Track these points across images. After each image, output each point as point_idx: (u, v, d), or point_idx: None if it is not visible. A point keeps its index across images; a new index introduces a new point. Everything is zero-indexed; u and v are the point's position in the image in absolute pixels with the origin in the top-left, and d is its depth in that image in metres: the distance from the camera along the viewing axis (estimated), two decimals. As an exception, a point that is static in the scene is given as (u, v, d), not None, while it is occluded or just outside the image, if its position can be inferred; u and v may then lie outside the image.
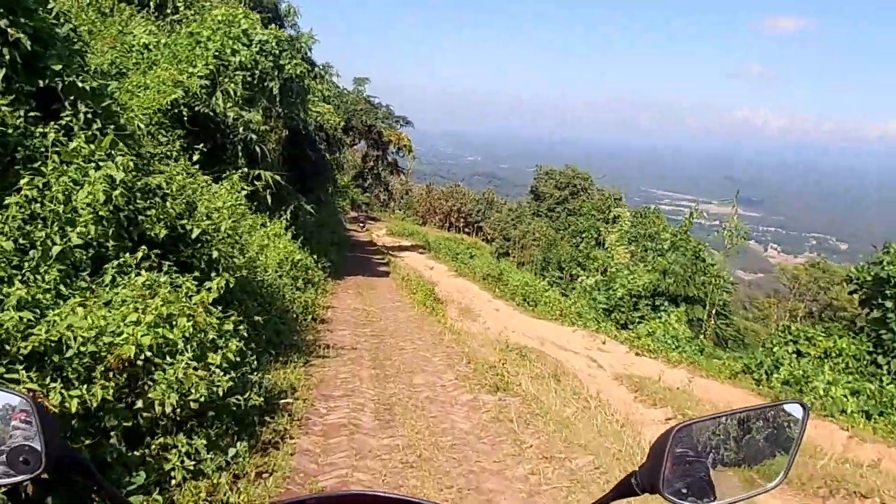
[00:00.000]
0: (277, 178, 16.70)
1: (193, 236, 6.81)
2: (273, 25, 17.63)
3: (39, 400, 2.26)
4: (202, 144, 14.85)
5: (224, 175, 9.37)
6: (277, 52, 17.11)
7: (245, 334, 6.16)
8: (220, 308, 6.11)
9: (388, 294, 18.12)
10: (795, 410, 1.22)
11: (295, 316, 11.25)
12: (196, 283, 6.27)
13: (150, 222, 6.24)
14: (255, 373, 7.23)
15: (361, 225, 54.11)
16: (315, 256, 17.77)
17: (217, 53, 16.08)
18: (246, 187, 9.31)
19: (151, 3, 19.53)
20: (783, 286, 50.89)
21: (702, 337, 20.78)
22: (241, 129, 16.06)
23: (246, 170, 13.97)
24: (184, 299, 5.70)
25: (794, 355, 14.95)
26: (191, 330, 5.43)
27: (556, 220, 52.17)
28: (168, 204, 6.36)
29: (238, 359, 5.91)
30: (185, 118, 14.18)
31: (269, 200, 16.65)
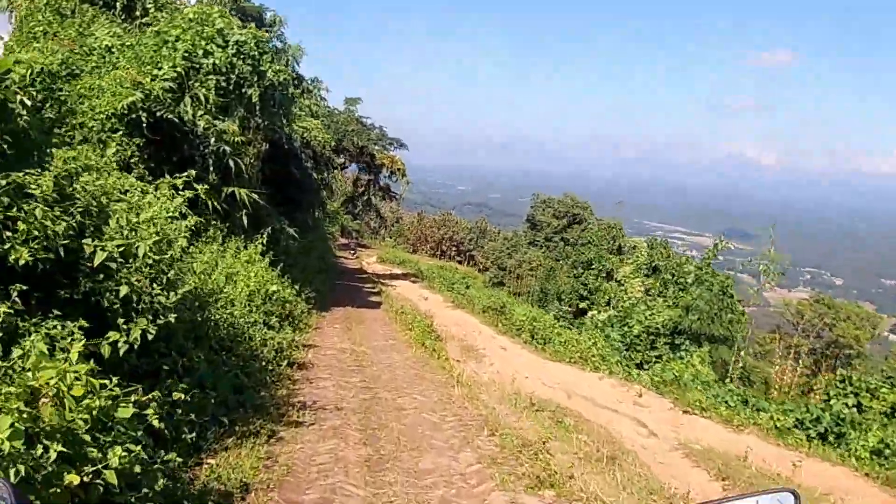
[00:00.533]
0: (255, 196, 14.37)
1: (96, 263, 4.44)
2: (252, 25, 15.42)
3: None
4: (161, 153, 12.61)
5: (175, 182, 6.98)
6: (257, 54, 14.86)
7: (156, 421, 3.72)
8: (121, 376, 3.70)
9: (380, 329, 15.68)
10: (787, 501, 1.19)
11: (265, 363, 8.81)
12: (85, 334, 3.90)
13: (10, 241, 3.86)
14: (185, 465, 4.81)
15: (352, 252, 51.75)
16: (297, 286, 15.38)
17: (187, 54, 13.83)
18: (186, 194, 6.83)
19: (118, 5, 17.39)
20: (786, 321, 48.83)
21: (730, 381, 18.42)
22: (213, 140, 13.76)
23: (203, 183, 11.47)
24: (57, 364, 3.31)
25: (854, 409, 12.69)
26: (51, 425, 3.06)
27: (553, 249, 50.04)
28: (41, 212, 3.96)
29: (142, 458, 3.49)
30: (145, 125, 11.95)
31: (245, 222, 14.33)
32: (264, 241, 13.03)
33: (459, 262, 70.55)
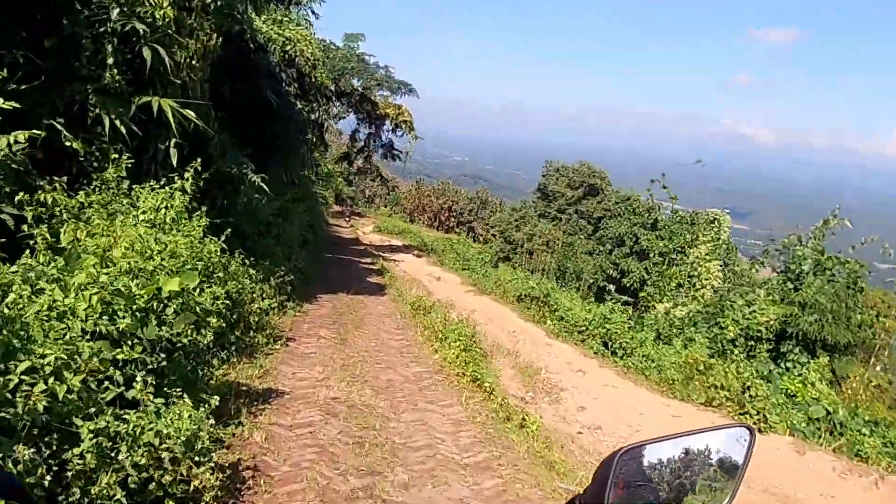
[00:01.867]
0: (191, 114, 8.22)
1: None
2: None
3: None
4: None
5: None
6: None
7: None
8: None
9: (392, 339, 9.66)
10: (742, 434, 1.15)
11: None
12: None
13: None
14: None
15: (346, 219, 45.68)
16: (264, 266, 9.38)
17: None
18: None
19: None
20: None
21: (858, 405, 12.67)
22: (115, 13, 7.58)
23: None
24: None
25: None
26: None
27: (566, 222, 44.10)
28: None
29: None
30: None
31: (175, 158, 8.21)
32: (190, 185, 6.91)
33: (457, 234, 64.67)
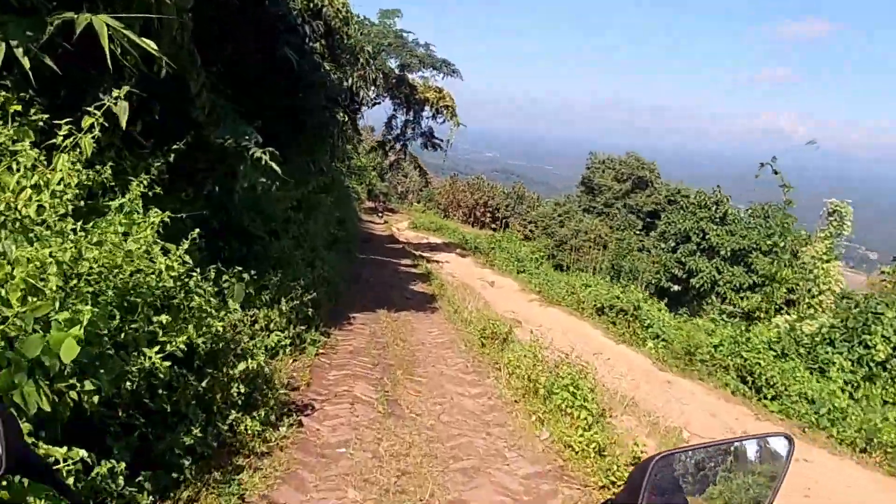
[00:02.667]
0: (149, 45, 4.99)
1: None
2: None
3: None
4: None
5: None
6: None
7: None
8: None
9: (464, 393, 6.26)
10: (780, 444, 1.09)
11: None
12: None
13: None
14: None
15: (379, 215, 42.71)
16: (271, 283, 6.16)
17: None
18: None
19: None
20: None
21: None
22: None
23: None
24: None
25: None
26: None
27: (614, 217, 40.25)
28: None
29: None
30: None
31: (125, 115, 4.98)
32: (157, 169, 3.65)
33: (494, 230, 61.36)
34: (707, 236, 25.61)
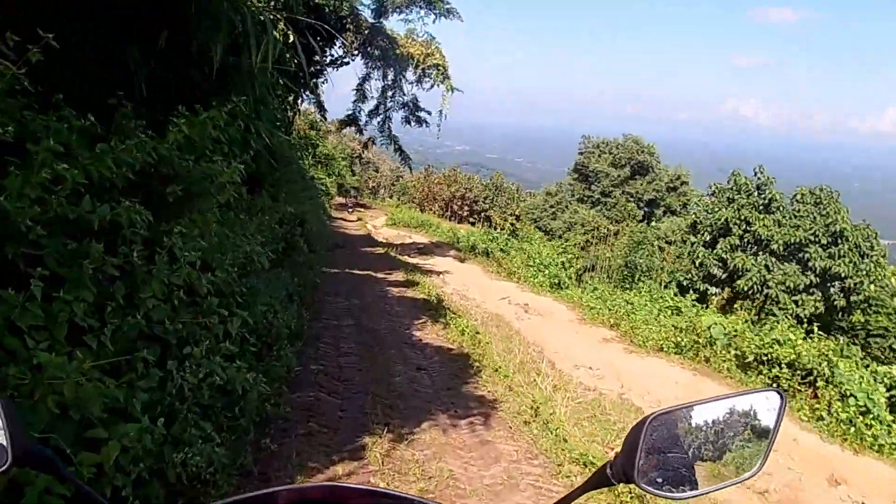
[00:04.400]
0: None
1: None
2: None
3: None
4: None
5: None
6: None
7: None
8: None
9: None
10: (772, 399, 1.07)
11: None
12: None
13: None
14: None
15: (349, 210, 36.85)
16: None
17: None
18: None
19: None
20: None
21: None
22: None
23: None
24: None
25: None
26: None
27: (612, 207, 34.97)
28: None
29: None
30: None
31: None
32: None
33: (472, 224, 55.89)
34: (751, 227, 20.33)
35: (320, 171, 29.71)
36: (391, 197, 62.68)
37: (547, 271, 14.42)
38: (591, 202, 35.67)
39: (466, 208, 62.44)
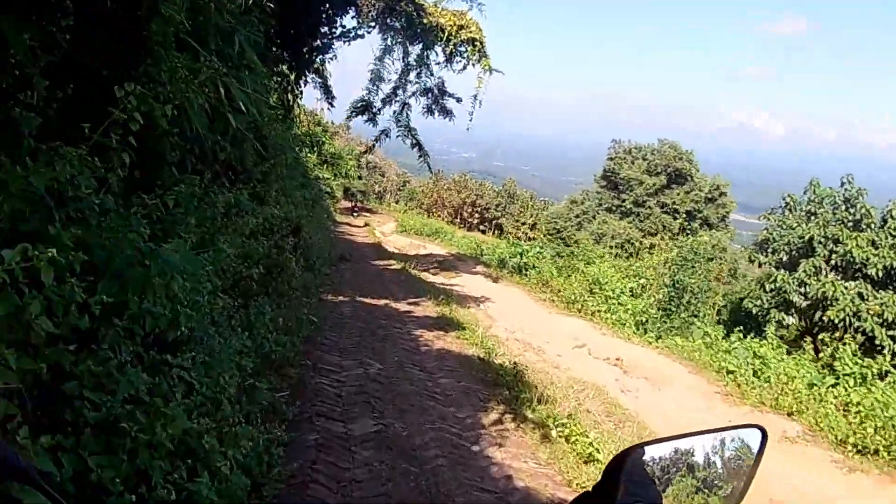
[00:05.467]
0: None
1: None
2: None
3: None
4: None
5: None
6: None
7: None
8: None
9: None
10: (754, 436, 1.03)
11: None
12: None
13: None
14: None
15: (354, 216, 33.49)
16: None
17: None
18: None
19: None
20: None
21: None
22: None
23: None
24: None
25: None
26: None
27: (645, 218, 31.20)
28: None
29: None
30: None
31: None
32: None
33: (483, 232, 52.26)
34: (838, 247, 16.58)
35: (326, 171, 26.11)
36: (397, 202, 59.49)
37: (628, 306, 10.71)
38: (621, 212, 31.92)
39: (477, 216, 58.74)
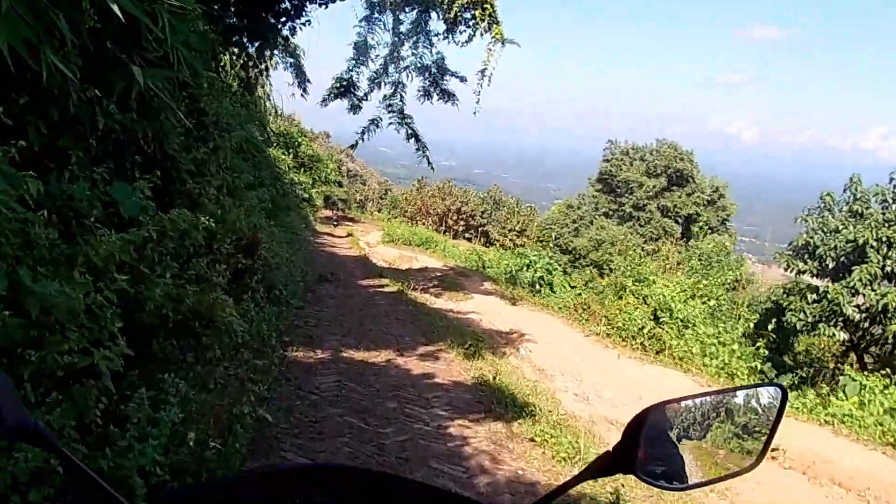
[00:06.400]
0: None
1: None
2: None
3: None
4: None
5: None
6: None
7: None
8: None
9: None
10: (774, 393, 1.00)
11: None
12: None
13: None
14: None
15: (335, 225, 30.47)
16: None
17: None
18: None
19: None
20: None
21: None
22: None
23: None
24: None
25: None
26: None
27: (646, 223, 28.53)
28: None
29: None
30: None
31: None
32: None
33: (469, 240, 49.39)
34: (891, 252, 13.96)
35: (304, 175, 22.86)
36: (379, 211, 56.64)
37: (733, 347, 7.72)
38: (619, 217, 29.21)
39: (462, 223, 55.72)
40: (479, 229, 53.57)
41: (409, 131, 11.36)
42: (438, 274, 14.59)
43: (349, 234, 24.85)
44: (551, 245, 29.74)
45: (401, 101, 11.21)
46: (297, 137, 23.29)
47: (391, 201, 59.64)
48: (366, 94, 11.43)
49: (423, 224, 52.67)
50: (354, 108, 11.55)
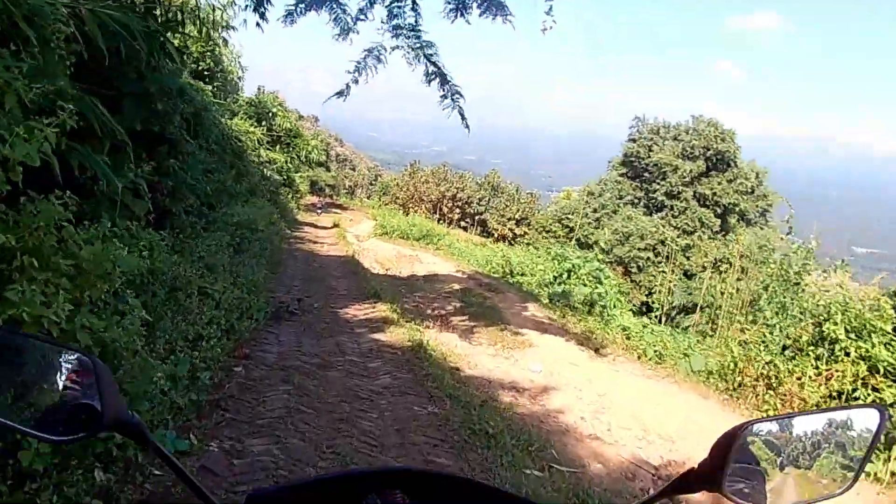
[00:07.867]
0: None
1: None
2: None
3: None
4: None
5: None
6: None
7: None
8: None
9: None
10: (871, 415, 0.95)
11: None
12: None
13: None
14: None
15: (318, 213, 25.97)
16: None
17: None
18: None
19: None
20: None
21: None
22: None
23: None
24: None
25: None
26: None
27: (679, 214, 24.22)
28: None
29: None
30: None
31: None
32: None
33: (465, 229, 44.91)
34: None
35: (278, 153, 18.12)
36: (369, 197, 52.29)
37: None
38: (646, 206, 24.85)
39: (458, 210, 50.67)
40: (476, 217, 48.81)
41: (432, 67, 6.71)
42: (456, 287, 10.12)
43: (335, 225, 20.23)
44: (555, 236, 25.34)
45: (417, 15, 6.60)
46: (271, 107, 18.57)
47: (382, 187, 54.95)
48: (362, 11, 6.78)
49: (416, 211, 47.58)
50: (344, 34, 6.88)
